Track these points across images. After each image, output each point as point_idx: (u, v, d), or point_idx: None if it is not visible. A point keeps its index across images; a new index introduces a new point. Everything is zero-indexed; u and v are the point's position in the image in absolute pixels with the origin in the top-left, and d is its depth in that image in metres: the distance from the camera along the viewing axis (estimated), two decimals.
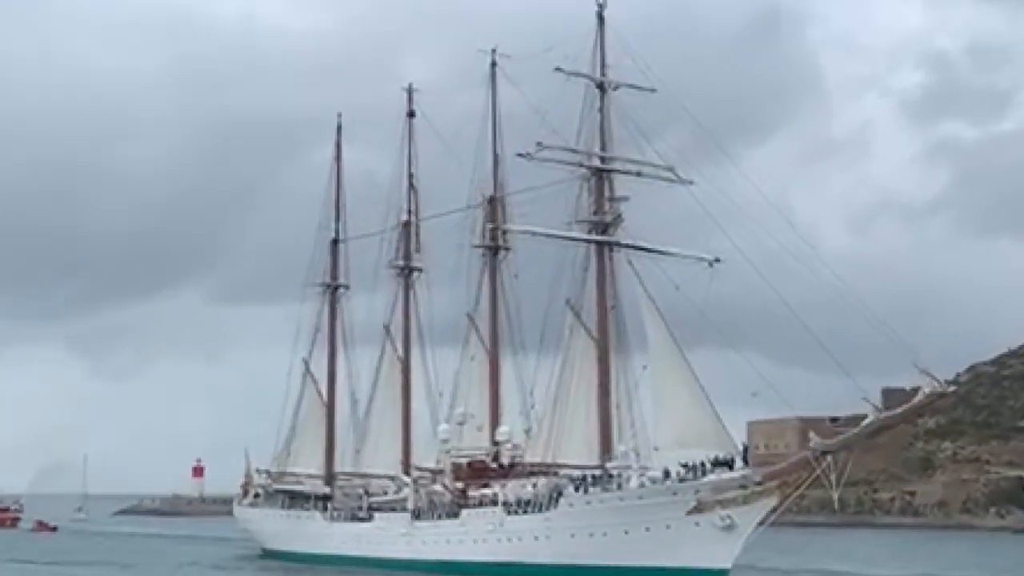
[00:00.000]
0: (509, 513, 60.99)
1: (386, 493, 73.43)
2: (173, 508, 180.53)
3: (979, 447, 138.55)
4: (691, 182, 61.50)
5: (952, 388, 50.23)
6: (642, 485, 56.24)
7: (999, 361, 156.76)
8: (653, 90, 62.32)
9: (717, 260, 59.50)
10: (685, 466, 55.18)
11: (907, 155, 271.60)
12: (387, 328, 79.04)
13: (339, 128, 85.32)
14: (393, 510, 70.18)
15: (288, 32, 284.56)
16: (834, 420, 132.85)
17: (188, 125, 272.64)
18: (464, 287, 72.27)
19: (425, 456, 73.12)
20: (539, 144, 60.92)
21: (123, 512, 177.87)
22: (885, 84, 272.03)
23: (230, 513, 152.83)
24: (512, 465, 65.88)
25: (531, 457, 64.10)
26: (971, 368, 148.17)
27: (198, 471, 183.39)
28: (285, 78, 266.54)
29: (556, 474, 62.07)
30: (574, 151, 61.83)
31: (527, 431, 67.62)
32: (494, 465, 66.90)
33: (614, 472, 57.89)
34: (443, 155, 74.30)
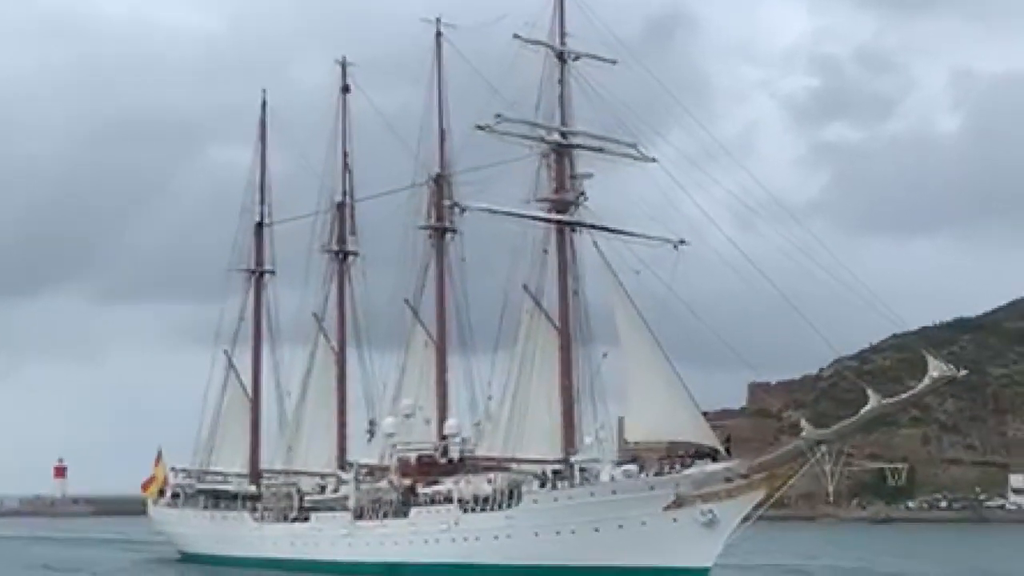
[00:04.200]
0: (465, 511, 57.00)
1: (322, 491, 68.62)
2: (34, 509, 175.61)
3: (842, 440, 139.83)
4: (654, 159, 58.82)
5: (964, 372, 47.29)
6: (613, 479, 52.76)
7: (862, 356, 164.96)
8: (614, 61, 59.44)
9: (683, 242, 56.75)
10: (663, 459, 51.79)
11: (791, 156, 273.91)
12: (317, 316, 74.14)
13: (263, 104, 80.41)
14: (332, 509, 65.47)
15: (186, 28, 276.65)
16: (704, 415, 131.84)
17: (76, 125, 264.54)
18: (405, 272, 67.59)
19: (362, 452, 68.58)
20: (498, 116, 56.95)
21: None
22: (776, 88, 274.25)
23: (95, 514, 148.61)
24: (463, 460, 61.69)
25: (485, 451, 60.00)
26: (835, 362, 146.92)
27: (60, 471, 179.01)
28: (180, 76, 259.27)
29: (509, 469, 58.40)
30: (535, 124, 58.03)
31: (476, 424, 63.59)
32: (443, 460, 62.61)
33: (584, 466, 54.21)
34: (382, 133, 69.48)
